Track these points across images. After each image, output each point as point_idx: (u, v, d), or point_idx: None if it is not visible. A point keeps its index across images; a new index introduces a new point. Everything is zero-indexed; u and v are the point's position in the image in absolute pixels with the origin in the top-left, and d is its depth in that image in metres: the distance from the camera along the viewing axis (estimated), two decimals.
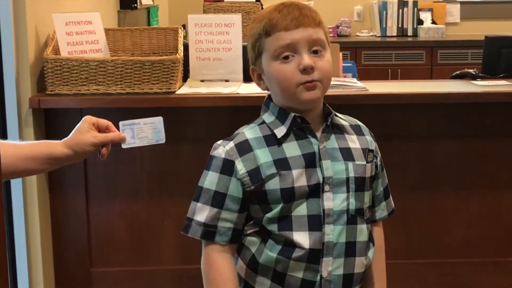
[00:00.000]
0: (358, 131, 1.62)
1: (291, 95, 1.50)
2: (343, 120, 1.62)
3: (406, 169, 2.82)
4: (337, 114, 1.61)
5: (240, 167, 1.49)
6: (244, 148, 1.51)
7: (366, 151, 1.58)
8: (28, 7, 2.55)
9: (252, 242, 1.53)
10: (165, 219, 2.81)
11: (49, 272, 2.78)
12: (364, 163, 1.56)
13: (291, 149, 1.51)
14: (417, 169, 2.84)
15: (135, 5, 4.26)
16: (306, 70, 1.48)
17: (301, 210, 1.48)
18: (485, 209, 2.86)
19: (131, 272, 2.84)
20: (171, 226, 2.81)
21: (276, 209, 1.48)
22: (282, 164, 1.49)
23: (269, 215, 1.49)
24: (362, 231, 1.54)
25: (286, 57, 1.49)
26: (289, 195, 1.48)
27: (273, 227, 1.49)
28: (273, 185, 1.48)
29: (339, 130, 1.58)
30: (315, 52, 1.50)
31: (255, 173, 1.49)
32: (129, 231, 2.83)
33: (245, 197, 1.50)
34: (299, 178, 1.48)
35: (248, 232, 1.54)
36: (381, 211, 1.67)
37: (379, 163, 1.64)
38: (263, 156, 1.50)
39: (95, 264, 2.83)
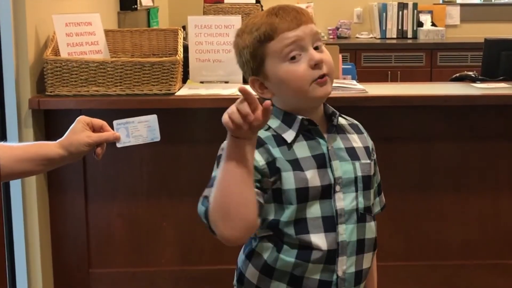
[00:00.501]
0: (357, 130, 1.63)
1: (304, 94, 1.50)
2: (343, 119, 1.63)
3: (405, 171, 2.82)
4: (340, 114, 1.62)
5: (259, 158, 1.46)
6: (258, 141, 1.46)
7: (368, 149, 1.61)
8: (28, 8, 2.55)
9: (264, 247, 1.53)
10: (164, 220, 2.82)
11: (48, 273, 2.78)
12: (369, 161, 1.58)
13: (301, 149, 1.51)
14: (416, 171, 2.84)
15: (135, 6, 4.26)
16: (318, 65, 1.49)
17: (315, 212, 1.49)
18: (484, 211, 2.86)
19: (130, 273, 2.84)
20: (170, 227, 2.82)
21: (290, 210, 1.48)
22: (294, 165, 1.49)
23: (284, 218, 1.49)
24: (370, 228, 1.56)
25: (293, 58, 1.49)
26: (303, 196, 1.48)
27: (291, 231, 1.49)
28: (289, 184, 1.47)
29: (342, 130, 1.59)
30: (316, 48, 1.52)
31: (272, 164, 1.47)
32: (128, 232, 2.83)
33: (261, 186, 1.46)
34: (312, 179, 1.48)
35: (261, 235, 1.53)
36: (375, 207, 1.69)
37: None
38: (276, 153, 1.49)
39: (94, 265, 2.83)
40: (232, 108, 1.29)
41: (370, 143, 1.63)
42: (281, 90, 1.54)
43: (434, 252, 2.88)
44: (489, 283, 2.89)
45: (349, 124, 1.63)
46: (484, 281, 2.88)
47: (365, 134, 1.64)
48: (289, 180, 1.47)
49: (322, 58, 1.50)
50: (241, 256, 1.60)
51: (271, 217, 1.50)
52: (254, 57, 1.53)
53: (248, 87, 1.36)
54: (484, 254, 2.88)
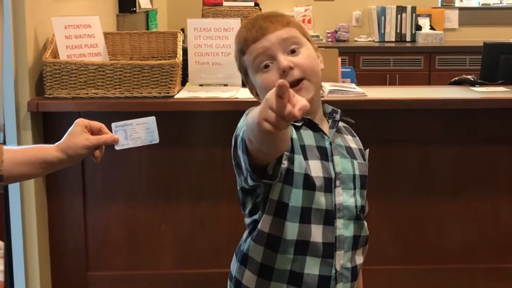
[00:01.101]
0: (350, 132, 1.66)
1: None
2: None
3: (404, 174, 2.82)
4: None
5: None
6: None
7: (362, 152, 1.63)
8: (28, 10, 2.55)
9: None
10: (162, 223, 2.81)
11: (46, 276, 2.77)
12: (364, 162, 1.60)
13: (307, 137, 1.52)
14: (415, 174, 2.84)
15: (134, 9, 4.26)
16: (286, 71, 1.48)
17: (319, 203, 1.50)
18: (482, 214, 2.86)
19: (128, 276, 2.84)
20: (168, 230, 2.81)
21: (298, 194, 1.48)
22: (301, 151, 1.50)
23: (292, 202, 1.48)
24: (364, 226, 1.58)
25: (267, 66, 1.51)
26: (308, 184, 1.48)
27: (296, 219, 1.48)
28: (298, 167, 1.48)
29: (339, 130, 1.61)
30: (293, 51, 1.51)
31: (292, 142, 1.48)
32: (126, 235, 2.83)
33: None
34: (315, 169, 1.49)
35: (266, 212, 1.50)
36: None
37: None
38: (293, 134, 1.49)
39: (92, 268, 2.83)
40: (267, 114, 1.13)
41: (362, 147, 1.65)
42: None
43: (433, 256, 2.88)
44: (489, 286, 2.89)
45: (344, 127, 1.65)
46: (484, 284, 2.88)
47: (357, 137, 1.67)
48: (299, 163, 1.48)
49: (290, 64, 1.48)
50: (235, 264, 1.59)
51: (276, 197, 1.49)
52: (240, 69, 1.60)
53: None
54: (483, 257, 2.88)
